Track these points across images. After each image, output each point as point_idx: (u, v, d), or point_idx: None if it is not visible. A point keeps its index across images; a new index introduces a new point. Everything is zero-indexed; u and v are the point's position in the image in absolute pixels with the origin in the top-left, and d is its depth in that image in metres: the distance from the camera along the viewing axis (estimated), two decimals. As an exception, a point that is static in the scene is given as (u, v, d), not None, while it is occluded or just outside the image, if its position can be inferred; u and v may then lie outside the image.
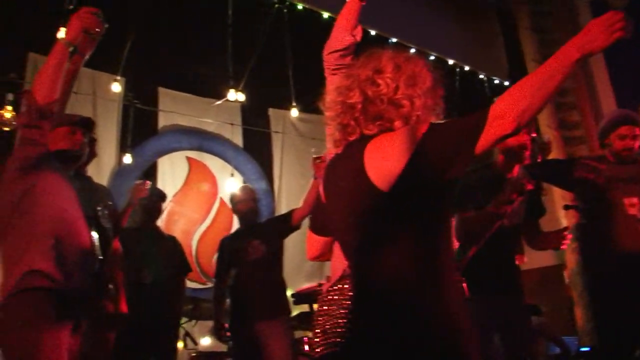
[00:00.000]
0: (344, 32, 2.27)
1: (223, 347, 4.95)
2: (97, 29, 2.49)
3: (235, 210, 4.66)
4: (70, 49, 2.42)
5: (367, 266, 1.51)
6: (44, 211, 2.35)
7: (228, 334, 4.38)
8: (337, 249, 2.01)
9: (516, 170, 2.93)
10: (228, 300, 4.46)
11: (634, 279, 3.24)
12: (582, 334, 5.61)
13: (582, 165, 3.55)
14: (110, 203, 3.50)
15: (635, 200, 3.31)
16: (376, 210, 1.48)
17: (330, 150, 1.97)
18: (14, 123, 4.90)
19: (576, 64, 1.35)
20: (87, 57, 2.64)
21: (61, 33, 4.60)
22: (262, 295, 4.17)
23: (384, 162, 1.46)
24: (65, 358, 2.28)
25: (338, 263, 2.06)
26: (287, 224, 4.33)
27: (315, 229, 1.95)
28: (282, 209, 6.76)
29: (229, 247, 4.53)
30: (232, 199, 4.69)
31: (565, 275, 6.29)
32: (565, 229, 3.02)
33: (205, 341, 5.84)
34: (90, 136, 2.94)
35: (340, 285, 2.07)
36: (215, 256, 4.73)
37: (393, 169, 1.43)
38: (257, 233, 4.38)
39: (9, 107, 4.83)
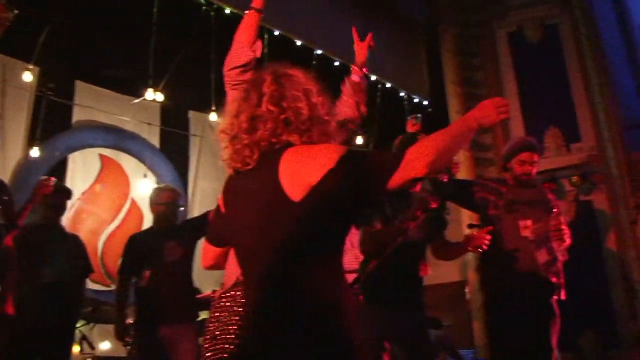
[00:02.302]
0: (243, 48, 2.26)
1: (122, 352, 4.78)
2: (1, 15, 2.38)
3: (153, 209, 4.36)
4: None
5: (270, 273, 1.55)
6: None
7: (127, 337, 4.23)
8: (232, 256, 1.99)
9: (418, 186, 3.02)
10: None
11: (525, 297, 3.39)
12: (478, 347, 5.85)
13: (484, 186, 3.72)
14: (6, 198, 3.34)
15: (529, 222, 3.49)
16: (285, 219, 1.53)
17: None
18: None
19: (475, 133, 1.60)
20: None
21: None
22: (175, 298, 4.03)
23: (299, 172, 1.52)
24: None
25: (232, 270, 2.04)
26: (206, 225, 4.19)
27: (212, 240, 1.95)
28: (195, 212, 6.72)
29: (143, 245, 4.24)
30: (153, 197, 4.39)
31: (467, 291, 6.54)
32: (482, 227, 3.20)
33: (105, 345, 5.66)
34: None
35: (233, 292, 2.05)
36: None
37: (308, 180, 1.49)
38: (174, 234, 4.19)
39: None
